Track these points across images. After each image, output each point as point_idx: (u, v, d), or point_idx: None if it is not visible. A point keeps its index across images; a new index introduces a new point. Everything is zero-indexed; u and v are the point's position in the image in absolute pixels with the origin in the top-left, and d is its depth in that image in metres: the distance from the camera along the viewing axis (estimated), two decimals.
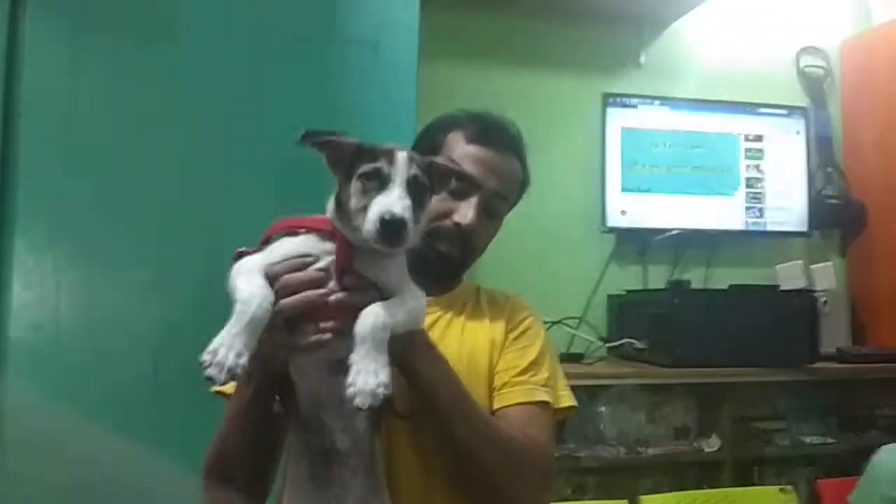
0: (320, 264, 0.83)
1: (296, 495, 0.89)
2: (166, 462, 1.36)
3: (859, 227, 2.62)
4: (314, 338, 0.82)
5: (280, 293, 0.81)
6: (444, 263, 1.07)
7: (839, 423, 2.29)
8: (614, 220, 2.31)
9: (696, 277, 2.41)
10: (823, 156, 2.59)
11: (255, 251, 0.85)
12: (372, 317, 0.79)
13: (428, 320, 1.00)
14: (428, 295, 0.91)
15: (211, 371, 0.74)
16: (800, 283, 2.40)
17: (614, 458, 2.07)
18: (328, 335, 0.82)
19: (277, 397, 0.92)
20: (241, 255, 0.85)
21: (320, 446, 0.88)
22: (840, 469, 2.10)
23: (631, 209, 2.32)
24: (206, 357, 0.74)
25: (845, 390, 2.31)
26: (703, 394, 2.17)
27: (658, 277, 2.43)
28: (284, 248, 0.85)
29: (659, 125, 2.37)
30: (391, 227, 0.77)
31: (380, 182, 0.80)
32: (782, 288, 2.35)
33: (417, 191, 0.82)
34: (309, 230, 0.86)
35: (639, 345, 2.17)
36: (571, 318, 2.31)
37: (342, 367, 0.79)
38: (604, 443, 2.09)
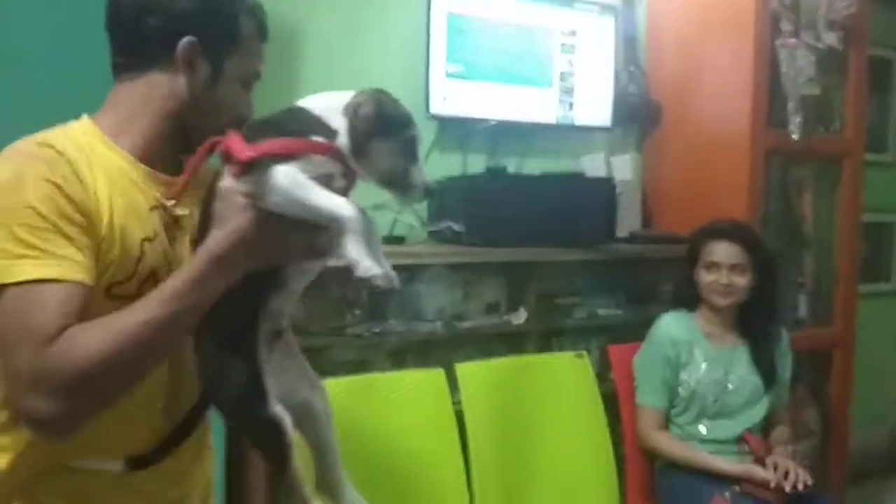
0: (339, 183, 0.94)
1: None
2: None
3: (654, 125, 2.88)
4: None
5: None
6: None
7: (627, 297, 2.57)
8: (437, 107, 2.36)
9: (510, 167, 2.54)
10: (628, 55, 2.78)
11: (246, 159, 0.88)
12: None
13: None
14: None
15: (381, 282, 0.87)
16: (601, 174, 2.62)
17: (431, 332, 2.20)
18: None
19: None
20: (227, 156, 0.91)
21: (272, 331, 0.99)
22: (627, 337, 2.36)
23: (452, 96, 2.38)
24: (365, 276, 0.86)
25: (634, 269, 2.59)
26: (512, 272, 2.34)
27: (476, 166, 2.53)
28: (314, 166, 0.91)
29: (482, 13, 2.42)
30: (428, 193, 0.96)
31: (416, 150, 0.95)
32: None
33: None
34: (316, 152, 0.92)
35: (457, 228, 2.28)
36: (394, 202, 2.36)
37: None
38: (422, 319, 2.21)
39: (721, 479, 2.00)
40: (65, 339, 0.83)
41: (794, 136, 2.60)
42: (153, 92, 0.99)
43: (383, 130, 0.93)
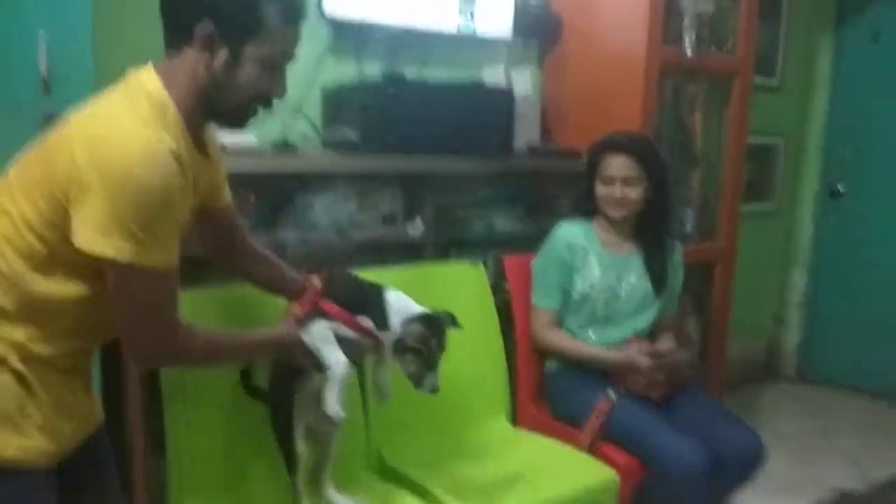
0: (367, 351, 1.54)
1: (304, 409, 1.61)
2: None
3: (554, 39, 2.86)
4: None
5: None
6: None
7: (526, 210, 2.59)
8: (333, 9, 2.25)
9: (409, 76, 2.47)
10: None
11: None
12: None
13: None
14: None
15: (338, 420, 1.47)
16: (501, 87, 2.58)
17: (326, 243, 2.15)
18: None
19: None
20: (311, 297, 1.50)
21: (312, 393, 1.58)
22: (524, 250, 2.38)
23: None
24: (329, 413, 1.43)
25: (532, 183, 2.60)
26: (409, 182, 2.30)
27: (374, 73, 2.45)
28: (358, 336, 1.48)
29: None
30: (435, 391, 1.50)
31: (437, 364, 1.49)
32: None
33: None
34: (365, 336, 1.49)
35: (353, 136, 2.21)
36: (285, 109, 2.27)
37: None
38: (316, 230, 2.15)
39: (605, 382, 2.08)
40: (187, 334, 1.24)
41: (688, 53, 2.64)
42: (187, 66, 1.18)
43: (419, 353, 1.44)
